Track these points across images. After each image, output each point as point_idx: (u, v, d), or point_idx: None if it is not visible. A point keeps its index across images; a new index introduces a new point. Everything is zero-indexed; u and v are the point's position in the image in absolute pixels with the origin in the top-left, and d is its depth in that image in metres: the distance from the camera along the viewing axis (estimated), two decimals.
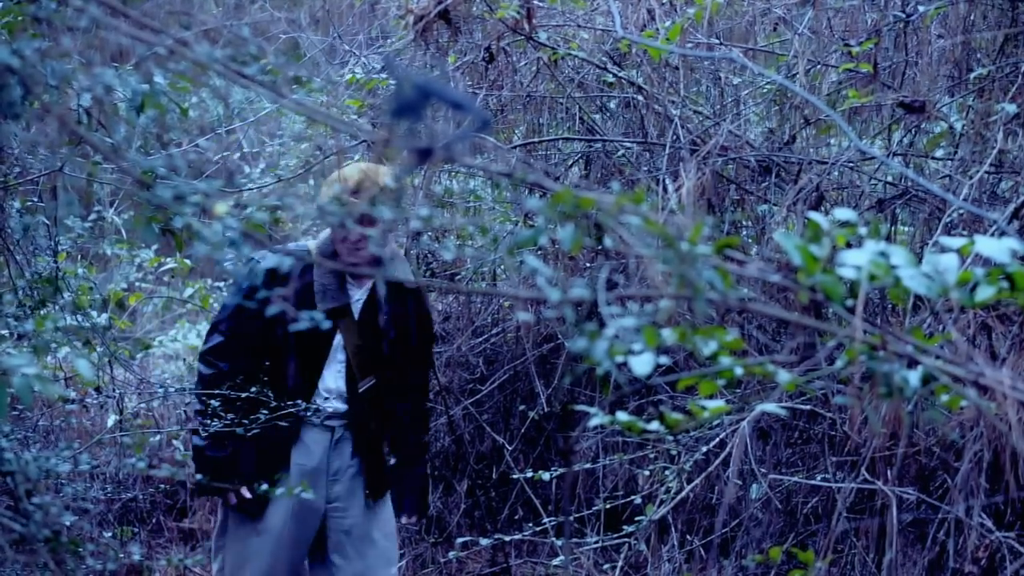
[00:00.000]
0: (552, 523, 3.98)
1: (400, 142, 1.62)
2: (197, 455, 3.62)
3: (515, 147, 3.99)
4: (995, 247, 1.81)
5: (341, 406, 3.68)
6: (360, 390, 3.67)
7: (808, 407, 3.66)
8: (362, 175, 3.44)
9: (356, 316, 3.65)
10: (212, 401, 3.51)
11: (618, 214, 1.53)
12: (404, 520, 3.84)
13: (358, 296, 3.68)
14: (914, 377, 1.72)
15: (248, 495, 3.60)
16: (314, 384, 3.65)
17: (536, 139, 4.13)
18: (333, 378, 3.68)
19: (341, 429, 3.72)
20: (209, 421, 3.49)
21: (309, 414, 3.62)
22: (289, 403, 3.48)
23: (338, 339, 3.68)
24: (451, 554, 3.93)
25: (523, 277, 4.36)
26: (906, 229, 4.09)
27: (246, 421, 3.42)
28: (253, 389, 3.44)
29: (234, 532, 3.71)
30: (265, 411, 3.43)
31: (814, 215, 1.79)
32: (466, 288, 2.21)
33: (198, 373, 3.72)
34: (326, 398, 3.68)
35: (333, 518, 3.74)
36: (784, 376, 1.93)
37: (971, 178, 3.34)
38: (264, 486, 3.21)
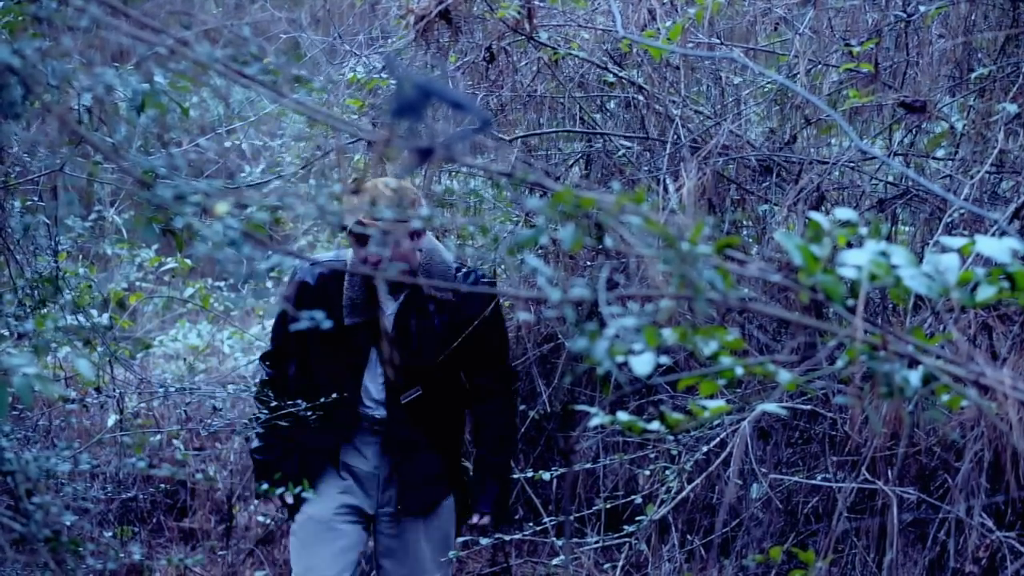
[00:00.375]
0: (552, 523, 3.98)
1: (400, 142, 1.62)
2: (252, 458, 3.80)
3: (516, 139, 3.99)
4: (996, 247, 1.81)
5: (382, 413, 3.68)
6: (403, 401, 3.65)
7: (809, 407, 3.66)
8: (380, 189, 3.40)
9: (391, 328, 3.60)
10: (262, 406, 3.61)
11: (619, 214, 1.53)
12: (476, 520, 3.76)
13: (392, 309, 3.63)
14: (915, 377, 1.72)
15: (291, 500, 3.66)
16: (357, 391, 3.66)
17: (537, 131, 4.13)
18: (376, 388, 3.68)
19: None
20: (257, 426, 3.61)
21: (348, 419, 3.62)
22: (329, 404, 3.51)
23: (374, 352, 3.67)
24: (451, 553, 3.92)
25: (523, 277, 4.36)
26: (907, 229, 4.09)
27: (288, 421, 3.49)
28: (296, 400, 3.49)
29: (298, 536, 3.74)
30: (309, 413, 3.48)
31: (815, 215, 1.79)
32: (466, 288, 2.22)
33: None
34: (370, 406, 3.68)
35: (383, 522, 3.76)
36: (785, 376, 1.93)
37: (972, 178, 3.34)
38: (298, 489, 3.40)
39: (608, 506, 3.98)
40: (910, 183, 3.65)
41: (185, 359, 6.06)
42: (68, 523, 3.04)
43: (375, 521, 3.78)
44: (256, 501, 5.01)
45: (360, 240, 3.42)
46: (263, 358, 3.82)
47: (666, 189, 3.64)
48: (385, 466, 3.72)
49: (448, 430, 3.77)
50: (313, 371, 3.68)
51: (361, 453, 3.73)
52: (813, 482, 3.76)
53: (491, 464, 3.75)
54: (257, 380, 3.82)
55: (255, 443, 3.76)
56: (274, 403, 3.58)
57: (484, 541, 3.91)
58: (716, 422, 3.59)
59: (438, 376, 3.66)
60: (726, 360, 2.03)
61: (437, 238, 4.08)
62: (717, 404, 2.29)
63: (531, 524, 4.15)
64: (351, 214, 2.83)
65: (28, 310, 3.24)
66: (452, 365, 3.67)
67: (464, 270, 3.68)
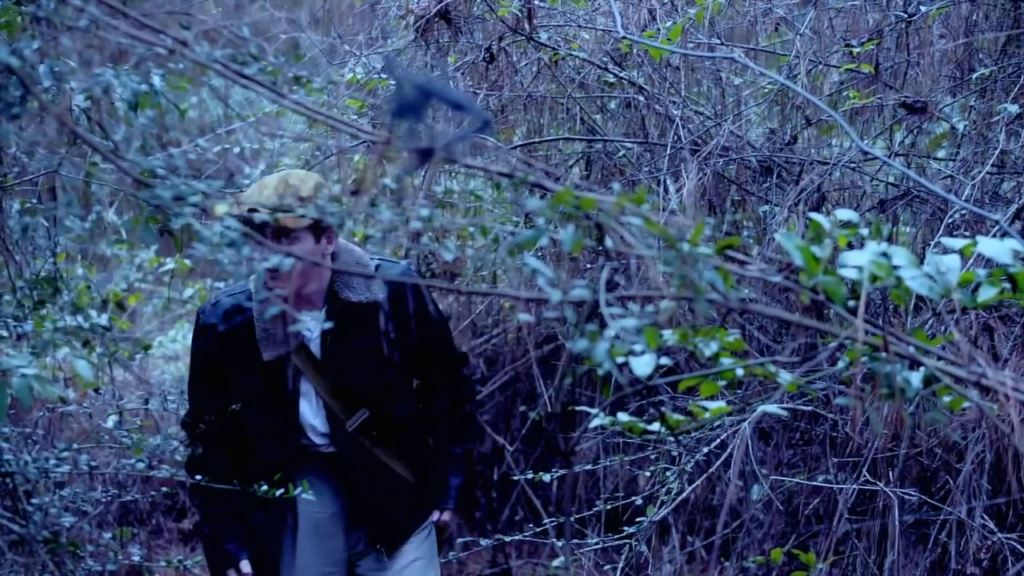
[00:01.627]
0: (553, 524, 3.97)
1: (401, 142, 1.61)
2: (197, 533, 3.42)
3: (515, 147, 3.99)
4: (997, 248, 1.81)
5: (328, 447, 3.25)
6: (350, 428, 3.23)
7: (809, 408, 3.66)
8: (280, 184, 3.04)
9: (319, 351, 3.20)
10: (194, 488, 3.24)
11: (619, 215, 1.53)
12: (437, 517, 3.38)
13: (315, 329, 3.19)
14: (916, 378, 1.72)
15: (248, 570, 3.24)
16: (297, 431, 3.23)
17: (537, 139, 4.12)
18: (318, 420, 3.25)
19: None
20: (195, 498, 3.28)
21: (293, 460, 3.20)
22: (269, 453, 3.17)
23: (303, 382, 3.24)
24: (451, 555, 3.91)
25: (524, 278, 4.36)
26: (908, 230, 4.08)
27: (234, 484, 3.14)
28: (226, 467, 3.17)
29: None
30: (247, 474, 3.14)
31: (815, 216, 1.79)
32: (466, 289, 2.19)
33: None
34: (316, 442, 3.26)
35: (360, 565, 3.33)
36: (785, 377, 1.92)
37: (973, 179, 3.33)
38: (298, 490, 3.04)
39: (608, 507, 3.97)
40: (911, 184, 3.64)
41: (184, 360, 6.05)
42: (67, 524, 3.03)
43: (351, 563, 3.33)
44: None
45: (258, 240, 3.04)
46: (184, 426, 3.33)
47: (666, 190, 3.63)
48: (345, 506, 3.29)
49: (410, 441, 3.35)
50: (244, 422, 3.22)
51: (318, 493, 3.24)
52: (814, 483, 3.75)
53: (451, 455, 3.39)
54: (184, 452, 3.35)
55: (196, 516, 3.36)
56: (206, 483, 3.17)
57: (484, 542, 3.89)
58: (717, 423, 3.59)
59: (385, 392, 3.26)
60: (727, 361, 2.02)
61: (436, 239, 4.05)
62: (718, 405, 2.28)
63: (531, 525, 4.14)
64: (240, 207, 2.55)
65: (27, 311, 3.23)
66: (399, 376, 3.28)
67: (380, 263, 3.27)
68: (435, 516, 3.36)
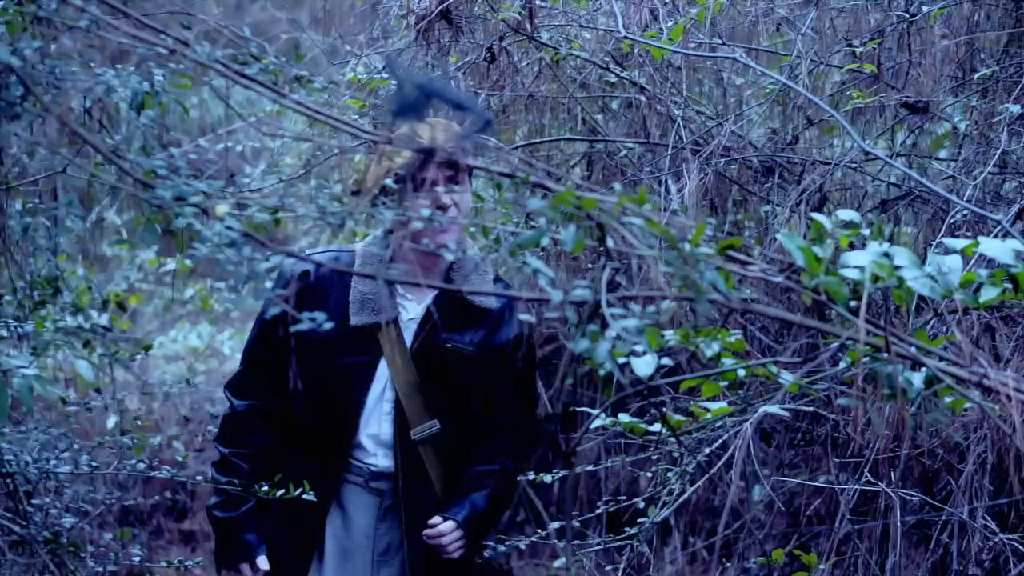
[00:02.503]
0: (554, 525, 3.97)
1: (402, 142, 1.61)
2: (209, 515, 2.97)
3: (517, 147, 3.98)
4: (999, 248, 1.81)
5: (388, 463, 2.86)
6: (414, 437, 2.84)
7: (811, 409, 3.65)
8: (436, 129, 2.64)
9: (410, 339, 2.83)
10: (224, 449, 2.90)
11: (620, 215, 1.52)
12: (437, 520, 2.85)
13: (414, 313, 2.87)
14: (917, 379, 1.72)
15: (266, 567, 2.86)
16: (352, 431, 2.83)
17: (538, 139, 4.12)
18: (378, 422, 2.85)
19: (391, 494, 2.89)
20: (220, 476, 2.88)
21: (335, 471, 2.82)
22: (315, 449, 2.82)
23: (384, 370, 2.84)
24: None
25: (525, 278, 4.35)
26: (909, 230, 4.08)
27: (261, 484, 2.77)
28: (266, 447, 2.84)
29: None
30: (289, 470, 2.79)
31: (817, 216, 1.78)
32: (467, 289, 2.18)
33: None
34: (370, 451, 2.87)
35: None
36: (787, 377, 1.92)
37: (975, 179, 3.32)
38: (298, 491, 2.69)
39: (610, 509, 3.97)
40: (912, 184, 3.64)
41: (183, 358, 6.06)
42: (68, 525, 3.03)
43: None
44: None
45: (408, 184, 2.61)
46: (229, 387, 2.98)
47: (668, 190, 3.63)
48: (384, 536, 2.89)
49: (459, 473, 2.94)
50: (296, 402, 2.86)
51: (350, 518, 2.89)
52: (815, 484, 3.75)
53: (485, 484, 2.93)
54: (219, 417, 3.03)
55: (213, 498, 2.94)
56: (235, 452, 2.86)
57: (487, 553, 3.80)
58: (718, 424, 3.58)
59: (462, 408, 2.87)
60: (728, 362, 2.02)
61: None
62: (719, 406, 2.28)
63: (533, 526, 4.14)
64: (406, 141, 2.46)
65: (28, 311, 3.23)
66: (480, 397, 2.90)
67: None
68: (436, 520, 2.86)
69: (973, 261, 2.70)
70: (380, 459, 2.88)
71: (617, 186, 1.61)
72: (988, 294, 1.81)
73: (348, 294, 2.83)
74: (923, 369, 1.76)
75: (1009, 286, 1.82)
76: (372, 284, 2.81)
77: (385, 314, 2.80)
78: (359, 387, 2.84)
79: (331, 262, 2.87)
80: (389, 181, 2.72)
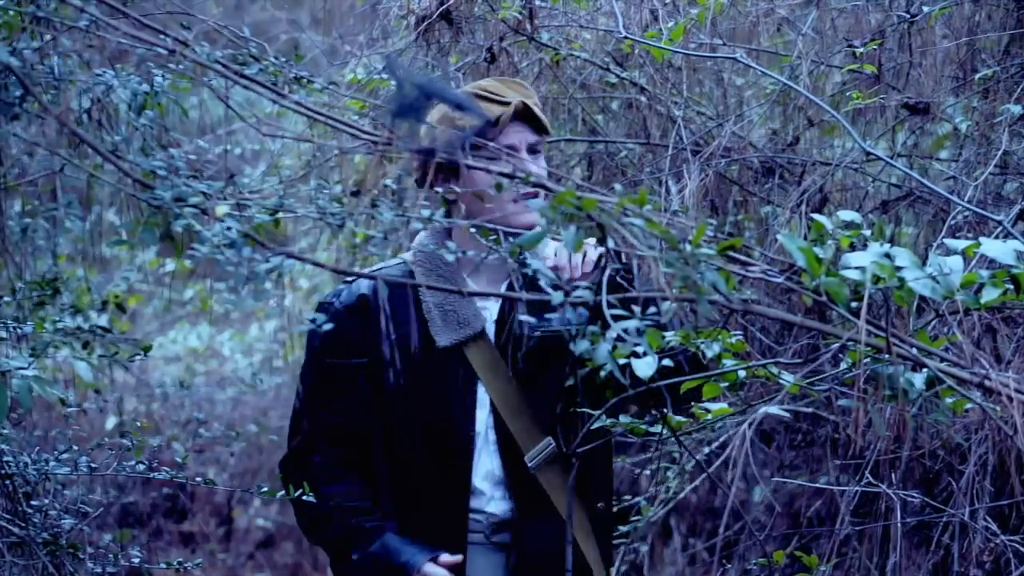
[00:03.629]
0: None
1: (402, 143, 1.60)
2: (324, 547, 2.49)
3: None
4: (1000, 249, 1.80)
5: (504, 505, 2.36)
6: (532, 466, 2.32)
7: (811, 410, 3.65)
8: (511, 86, 2.43)
9: (495, 340, 2.36)
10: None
11: (621, 215, 1.52)
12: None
13: (495, 313, 2.40)
14: (919, 380, 1.71)
15: (450, 559, 2.31)
16: (465, 474, 2.32)
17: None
18: (489, 457, 2.35)
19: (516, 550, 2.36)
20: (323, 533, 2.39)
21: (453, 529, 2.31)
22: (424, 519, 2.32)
23: (482, 392, 2.35)
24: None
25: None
26: (910, 231, 4.08)
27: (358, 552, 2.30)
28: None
29: None
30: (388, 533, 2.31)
31: (818, 217, 1.78)
32: (467, 290, 2.16)
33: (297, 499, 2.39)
34: (487, 495, 2.36)
35: None
36: (788, 379, 1.92)
37: (975, 180, 3.32)
38: None
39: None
40: (913, 185, 3.63)
41: (181, 358, 6.05)
42: (67, 527, 3.03)
43: None
44: (257, 504, 4.99)
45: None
46: (295, 453, 2.44)
47: (668, 191, 3.62)
48: None
49: (600, 515, 2.44)
50: (386, 451, 2.34)
51: None
52: (816, 485, 3.74)
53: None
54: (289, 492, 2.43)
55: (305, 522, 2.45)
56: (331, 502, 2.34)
57: None
58: (719, 425, 3.58)
59: (573, 413, 2.31)
60: (729, 363, 2.02)
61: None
62: (719, 407, 2.27)
63: None
64: (501, 91, 2.28)
65: (27, 312, 3.23)
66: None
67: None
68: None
69: (974, 262, 2.69)
70: (498, 503, 2.36)
71: (618, 186, 1.61)
72: (990, 295, 1.80)
73: (420, 311, 2.34)
74: (924, 371, 1.76)
75: (1011, 287, 1.82)
76: (445, 294, 2.34)
77: (472, 325, 2.33)
78: (465, 417, 2.32)
79: (388, 276, 2.32)
80: (389, 182, 2.54)
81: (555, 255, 2.32)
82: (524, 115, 2.36)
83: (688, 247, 1.55)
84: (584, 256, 2.31)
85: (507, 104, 2.33)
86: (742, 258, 1.71)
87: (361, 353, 2.34)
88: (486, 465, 2.35)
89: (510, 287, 2.37)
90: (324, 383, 2.41)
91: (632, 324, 1.46)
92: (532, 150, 2.40)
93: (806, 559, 2.99)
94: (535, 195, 2.24)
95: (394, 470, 2.36)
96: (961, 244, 1.88)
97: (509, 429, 2.32)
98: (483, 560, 2.34)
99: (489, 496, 2.36)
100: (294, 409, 2.48)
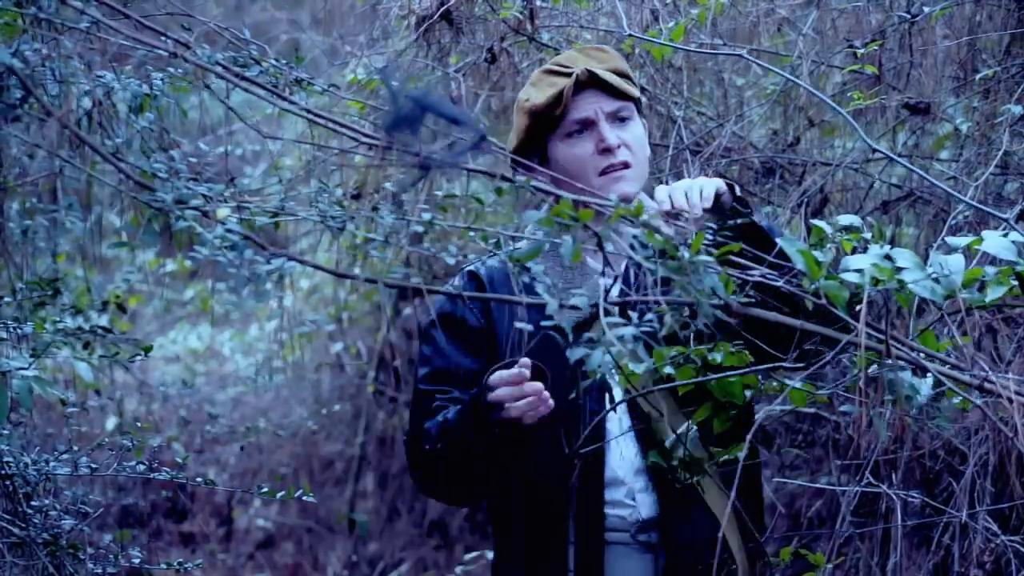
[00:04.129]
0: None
1: (398, 156, 1.60)
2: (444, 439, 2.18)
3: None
4: (1000, 244, 1.80)
5: (648, 499, 2.17)
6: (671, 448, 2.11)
7: (812, 410, 3.65)
8: (607, 55, 2.31)
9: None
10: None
11: (617, 224, 1.52)
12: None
13: (614, 290, 2.16)
14: (925, 386, 1.71)
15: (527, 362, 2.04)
16: (599, 467, 2.13)
17: None
18: (622, 449, 2.16)
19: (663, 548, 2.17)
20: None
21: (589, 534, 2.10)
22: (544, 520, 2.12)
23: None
24: (458, 569, 3.88)
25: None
26: (911, 231, 4.08)
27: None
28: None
29: None
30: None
31: (818, 222, 1.78)
32: (468, 293, 2.16)
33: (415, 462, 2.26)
34: (620, 493, 2.17)
35: None
36: (793, 384, 1.91)
37: (976, 180, 3.32)
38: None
39: None
40: (914, 184, 3.63)
41: (181, 359, 6.05)
42: (67, 527, 3.03)
43: None
44: (257, 504, 4.99)
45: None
46: (416, 424, 2.25)
47: None
48: None
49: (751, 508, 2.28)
50: (512, 465, 2.18)
51: None
52: (817, 485, 3.74)
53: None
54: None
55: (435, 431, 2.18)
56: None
57: (491, 555, 3.48)
58: None
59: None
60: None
61: (439, 241, 4.02)
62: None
63: None
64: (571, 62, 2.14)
65: (27, 313, 3.23)
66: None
67: None
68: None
69: (975, 261, 2.69)
70: (639, 498, 2.17)
71: (614, 196, 1.61)
72: (994, 293, 1.80)
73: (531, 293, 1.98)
74: (929, 376, 1.76)
75: (1015, 283, 1.81)
76: (562, 274, 2.12)
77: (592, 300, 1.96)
78: (594, 403, 2.11)
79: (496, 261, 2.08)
80: (389, 185, 2.43)
81: (669, 198, 2.08)
82: (593, 82, 2.21)
83: (687, 253, 1.55)
84: (700, 192, 2.10)
85: (570, 75, 2.18)
86: (742, 262, 1.71)
87: (488, 325, 2.21)
88: (617, 460, 2.15)
89: (627, 267, 2.19)
90: (453, 337, 2.24)
91: (628, 332, 1.46)
92: (616, 117, 2.26)
93: (812, 557, 2.99)
94: (625, 166, 2.20)
95: (528, 456, 2.14)
96: (962, 241, 1.88)
97: (640, 411, 2.11)
98: (627, 564, 2.16)
99: (624, 487, 2.15)
100: (415, 392, 2.28)
